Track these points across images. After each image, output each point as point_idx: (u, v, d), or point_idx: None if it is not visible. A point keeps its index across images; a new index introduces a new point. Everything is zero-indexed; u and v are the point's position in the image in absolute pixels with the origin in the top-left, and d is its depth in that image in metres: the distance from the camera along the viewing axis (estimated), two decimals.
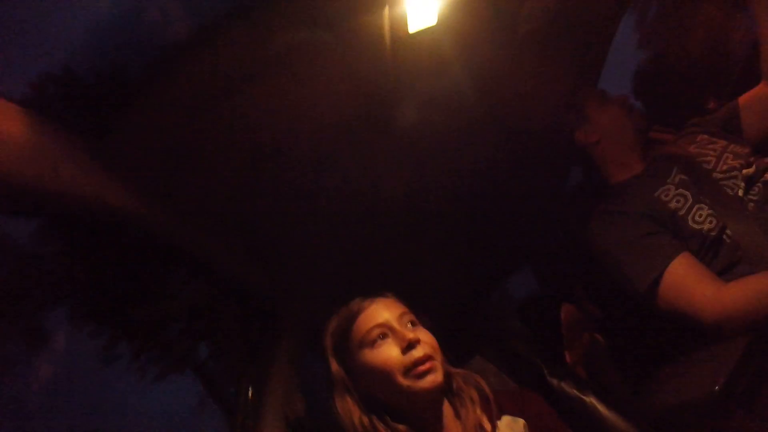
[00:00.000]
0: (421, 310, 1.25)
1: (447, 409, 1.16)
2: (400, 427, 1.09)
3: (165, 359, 1.99)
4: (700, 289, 1.32)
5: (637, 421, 1.33)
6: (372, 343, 1.13)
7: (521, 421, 1.13)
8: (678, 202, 1.49)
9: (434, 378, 1.09)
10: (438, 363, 1.11)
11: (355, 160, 1.55)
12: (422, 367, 1.08)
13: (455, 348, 1.59)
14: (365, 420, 1.10)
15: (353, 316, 1.19)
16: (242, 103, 1.30)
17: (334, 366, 1.19)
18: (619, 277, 1.48)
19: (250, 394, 1.45)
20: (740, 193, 1.47)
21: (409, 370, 1.08)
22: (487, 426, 1.12)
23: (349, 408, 1.13)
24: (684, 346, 1.41)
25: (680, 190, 1.50)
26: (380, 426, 1.09)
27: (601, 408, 1.38)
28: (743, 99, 1.67)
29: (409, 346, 1.09)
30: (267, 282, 1.58)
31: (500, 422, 1.13)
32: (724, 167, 1.52)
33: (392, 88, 1.47)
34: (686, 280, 1.35)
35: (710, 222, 1.42)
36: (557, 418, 1.19)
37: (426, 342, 1.12)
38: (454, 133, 1.66)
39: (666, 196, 1.51)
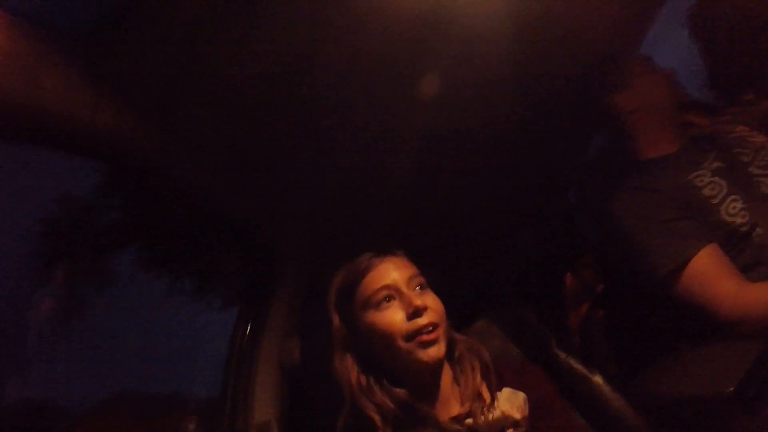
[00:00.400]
0: (429, 267, 1.18)
1: (446, 374, 1.13)
2: (398, 390, 1.06)
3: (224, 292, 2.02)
4: (722, 284, 1.28)
5: (640, 409, 1.31)
6: (377, 305, 1.09)
7: (521, 395, 1.10)
8: (713, 189, 1.41)
9: (437, 350, 1.06)
10: (442, 332, 1.08)
11: (376, 99, 1.40)
12: (426, 337, 1.05)
13: (461, 308, 1.55)
14: (363, 380, 1.08)
15: (361, 274, 1.13)
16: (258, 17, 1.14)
17: (336, 323, 1.16)
18: (639, 257, 1.41)
19: (245, 338, 1.41)
20: None
21: (412, 337, 1.05)
22: (486, 395, 1.09)
23: (347, 366, 1.10)
24: (690, 338, 1.36)
25: (716, 177, 1.42)
26: (377, 387, 1.07)
27: (606, 390, 1.34)
28: None
29: (415, 313, 1.05)
30: (269, 221, 1.49)
31: (500, 394, 1.10)
32: (762, 163, 1.43)
33: (428, 27, 1.33)
34: (710, 272, 1.31)
35: (743, 217, 1.35)
36: (558, 395, 1.17)
37: (432, 309, 1.08)
38: (484, 78, 1.53)
39: (701, 181, 1.43)
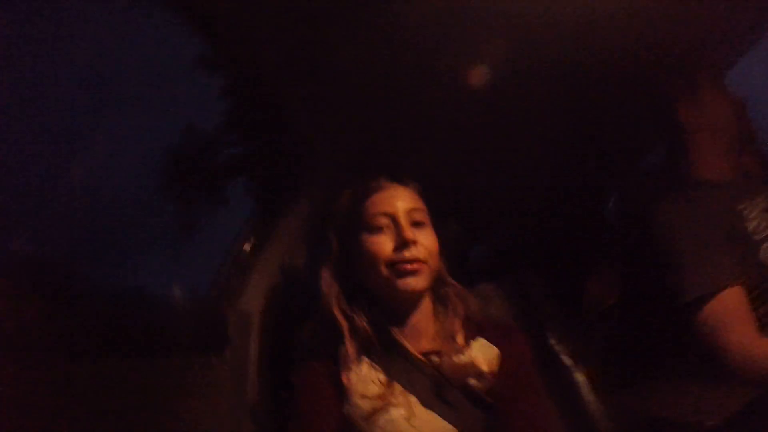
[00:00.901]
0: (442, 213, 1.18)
1: (426, 310, 1.12)
2: (372, 312, 1.09)
3: None
4: (738, 330, 1.24)
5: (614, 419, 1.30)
6: (371, 229, 1.09)
7: (495, 350, 1.08)
8: (759, 225, 1.36)
9: (415, 282, 1.05)
10: (427, 269, 1.06)
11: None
12: (406, 266, 1.04)
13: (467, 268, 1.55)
14: (341, 293, 1.10)
15: (367, 194, 1.14)
16: None
17: (333, 237, 1.17)
18: (670, 273, 1.35)
19: (259, 227, 1.43)
20: None
21: (393, 264, 1.04)
22: (461, 340, 1.08)
23: (330, 281, 1.12)
24: (695, 368, 1.32)
25: (765, 214, 1.38)
26: (354, 304, 1.09)
27: (585, 389, 1.34)
28: None
29: (402, 245, 1.05)
30: (315, 121, 1.50)
31: (474, 342, 1.08)
32: None
33: None
34: (730, 315, 1.26)
35: None
36: (534, 366, 1.14)
37: (423, 245, 1.07)
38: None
39: (749, 213, 1.38)
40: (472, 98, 1.57)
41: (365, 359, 1.07)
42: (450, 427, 1.01)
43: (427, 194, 1.18)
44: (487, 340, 1.10)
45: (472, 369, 1.04)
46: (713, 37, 1.55)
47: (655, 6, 1.43)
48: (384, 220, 1.09)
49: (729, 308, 1.27)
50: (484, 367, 1.04)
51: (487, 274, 1.56)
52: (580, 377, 1.36)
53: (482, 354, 1.06)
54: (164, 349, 1.05)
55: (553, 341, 1.41)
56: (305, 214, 1.47)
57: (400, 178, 1.17)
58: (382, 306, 1.10)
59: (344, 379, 1.03)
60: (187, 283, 1.30)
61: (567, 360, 1.38)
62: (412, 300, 1.10)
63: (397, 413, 1.00)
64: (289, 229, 1.43)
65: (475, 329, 1.12)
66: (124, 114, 1.30)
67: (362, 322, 1.07)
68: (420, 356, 1.07)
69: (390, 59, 1.43)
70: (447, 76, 1.50)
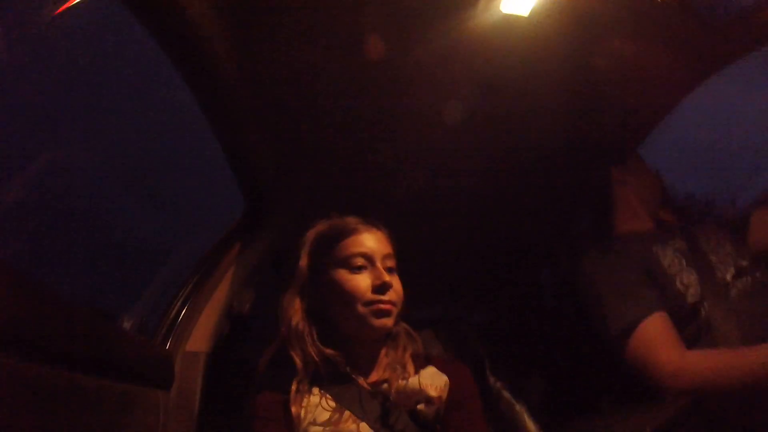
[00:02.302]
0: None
1: (380, 344, 1.18)
2: (328, 350, 1.11)
3: None
4: (666, 350, 1.35)
5: None
6: (351, 267, 1.14)
7: (444, 378, 1.12)
8: (672, 262, 1.52)
9: (388, 322, 1.11)
10: (396, 311, 1.13)
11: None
12: (383, 306, 1.10)
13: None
14: (302, 325, 1.13)
15: (346, 232, 1.19)
16: None
17: (303, 264, 1.20)
18: (596, 313, 1.50)
19: (208, 269, 1.44)
20: (728, 278, 1.49)
21: (371, 304, 1.10)
22: (411, 370, 1.13)
23: (294, 307, 1.15)
24: (628, 394, 1.42)
25: (676, 254, 1.54)
26: (311, 338, 1.12)
27: (527, 419, 1.39)
28: (756, 215, 1.69)
29: (381, 287, 1.11)
30: (273, 164, 1.57)
31: (423, 370, 1.13)
32: (721, 253, 1.56)
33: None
34: (656, 338, 1.38)
35: (694, 290, 1.46)
36: (477, 396, 1.19)
37: (396, 290, 1.14)
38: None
39: (663, 254, 1.54)
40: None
41: (316, 388, 1.10)
42: None
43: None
44: (437, 369, 1.14)
45: (420, 394, 1.08)
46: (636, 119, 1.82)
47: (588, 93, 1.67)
48: (362, 261, 1.14)
49: (655, 332, 1.39)
50: (433, 393, 1.09)
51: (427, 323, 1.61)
52: (520, 408, 1.40)
53: (431, 381, 1.11)
54: (112, 374, 1.02)
55: (492, 378, 1.47)
56: (254, 262, 1.51)
57: (374, 223, 1.23)
58: (342, 339, 1.14)
59: (293, 409, 1.05)
60: (138, 316, 1.29)
61: (506, 394, 1.43)
62: (377, 338, 1.16)
63: None
64: (237, 274, 1.46)
65: (423, 361, 1.17)
66: None
67: (318, 355, 1.10)
68: (369, 386, 1.11)
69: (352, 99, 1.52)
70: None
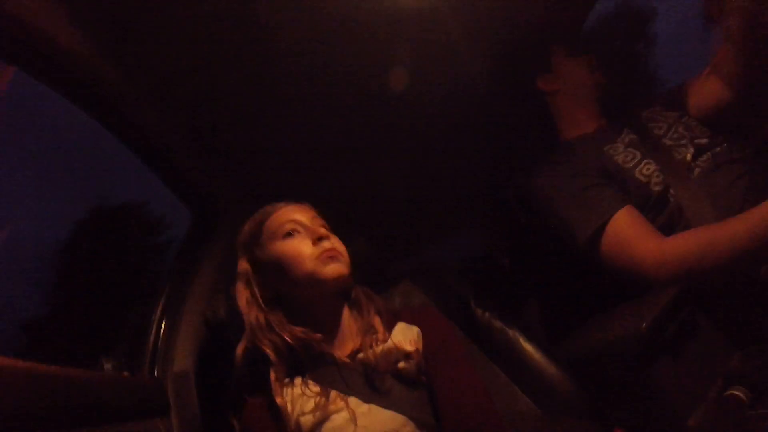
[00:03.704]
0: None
1: (346, 314, 1.19)
2: (295, 328, 1.11)
3: None
4: (642, 242, 1.33)
5: (557, 358, 1.33)
6: (283, 236, 1.15)
7: (415, 329, 1.14)
8: (626, 156, 1.50)
9: (339, 267, 1.11)
10: (345, 260, 1.14)
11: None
12: (328, 252, 1.11)
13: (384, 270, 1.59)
14: (260, 317, 1.13)
15: (268, 213, 1.21)
16: None
17: (242, 261, 1.22)
18: (561, 227, 1.47)
19: (174, 288, 1.43)
20: (688, 157, 1.46)
21: (316, 257, 1.11)
22: (380, 330, 1.13)
23: (247, 302, 1.16)
24: (620, 300, 1.37)
25: (629, 149, 1.51)
26: (275, 324, 1.12)
27: (523, 341, 1.38)
28: (689, 85, 1.66)
29: (319, 239, 1.13)
30: (214, 173, 1.54)
31: (394, 328, 1.14)
32: (675, 135, 1.53)
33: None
34: (628, 232, 1.36)
35: (657, 177, 1.43)
36: (454, 337, 1.20)
37: (336, 242, 1.16)
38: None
39: (614, 151, 1.52)
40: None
41: (297, 378, 1.09)
42: (394, 414, 1.03)
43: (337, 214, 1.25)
44: (406, 323, 1.16)
45: (398, 353, 1.08)
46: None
47: None
48: (291, 226, 1.16)
49: (626, 228, 1.36)
50: (409, 347, 1.09)
51: (404, 274, 1.60)
52: (514, 333, 1.39)
53: (403, 336, 1.12)
54: (107, 421, 1.01)
55: (479, 312, 1.45)
56: (215, 265, 1.49)
57: (296, 200, 1.25)
58: (305, 316, 1.14)
59: (279, 402, 1.05)
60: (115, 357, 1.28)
61: (497, 323, 1.42)
62: (335, 299, 1.17)
63: (340, 418, 1.02)
64: (203, 283, 1.45)
65: (392, 318, 1.17)
66: None
67: (290, 338, 1.10)
68: (347, 359, 1.10)
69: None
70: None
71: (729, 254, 1.20)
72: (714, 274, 1.24)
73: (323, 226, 1.19)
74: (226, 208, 1.59)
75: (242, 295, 1.17)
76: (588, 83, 1.67)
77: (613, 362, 1.24)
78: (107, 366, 1.25)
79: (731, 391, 1.06)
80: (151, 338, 1.35)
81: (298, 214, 1.19)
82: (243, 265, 1.21)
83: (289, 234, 1.15)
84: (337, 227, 1.24)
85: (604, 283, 1.43)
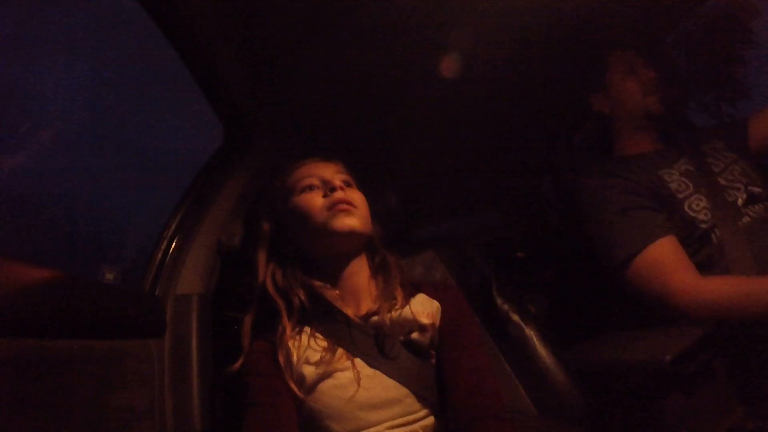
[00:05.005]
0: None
1: (365, 274, 1.18)
2: (308, 279, 1.13)
3: None
4: (678, 274, 1.32)
5: (566, 363, 1.30)
6: (302, 190, 1.16)
7: (436, 303, 1.12)
8: (679, 185, 1.46)
9: (350, 221, 1.10)
10: (359, 213, 1.13)
11: None
12: (340, 206, 1.10)
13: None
14: (274, 269, 1.15)
15: (291, 169, 1.22)
16: None
17: (264, 218, 1.23)
18: (600, 239, 1.46)
19: (191, 206, 1.36)
20: (740, 202, 1.43)
21: (327, 209, 1.11)
22: (400, 299, 1.10)
23: (265, 261, 1.17)
24: (637, 324, 1.39)
25: (684, 178, 1.47)
26: (289, 277, 1.13)
27: (537, 342, 1.35)
28: (752, 118, 1.63)
29: (332, 190, 1.12)
30: (251, 96, 1.45)
31: (413, 298, 1.12)
32: (730, 177, 1.49)
33: None
34: (667, 261, 1.34)
35: (705, 215, 1.40)
36: (473, 319, 1.18)
37: (353, 196, 1.15)
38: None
39: (669, 177, 1.48)
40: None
41: (306, 328, 1.08)
42: (397, 383, 1.01)
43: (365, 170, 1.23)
44: (427, 296, 1.13)
45: (413, 323, 1.06)
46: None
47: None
48: (313, 181, 1.16)
49: (665, 255, 1.34)
50: (425, 320, 1.06)
51: (429, 244, 1.55)
52: (530, 332, 1.36)
53: (422, 308, 1.09)
54: (99, 333, 0.97)
55: (499, 301, 1.42)
56: (238, 192, 1.42)
57: (323, 157, 1.24)
58: (320, 271, 1.14)
59: (283, 351, 1.04)
60: (120, 267, 1.23)
61: (515, 317, 1.39)
62: (348, 246, 1.14)
63: (344, 377, 1.00)
64: (222, 207, 1.38)
65: (412, 289, 1.15)
66: None
67: (299, 295, 1.09)
68: (358, 319, 1.08)
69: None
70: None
71: (761, 311, 1.21)
72: (742, 323, 1.25)
73: (344, 180, 1.18)
74: (260, 134, 1.50)
75: (260, 249, 1.18)
76: (642, 106, 1.59)
77: (626, 385, 1.22)
78: (109, 276, 1.19)
79: None
80: (159, 255, 1.29)
81: (321, 170, 1.19)
82: (263, 220, 1.22)
83: (308, 188, 1.16)
84: (367, 183, 1.22)
85: (624, 301, 1.43)
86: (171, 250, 1.31)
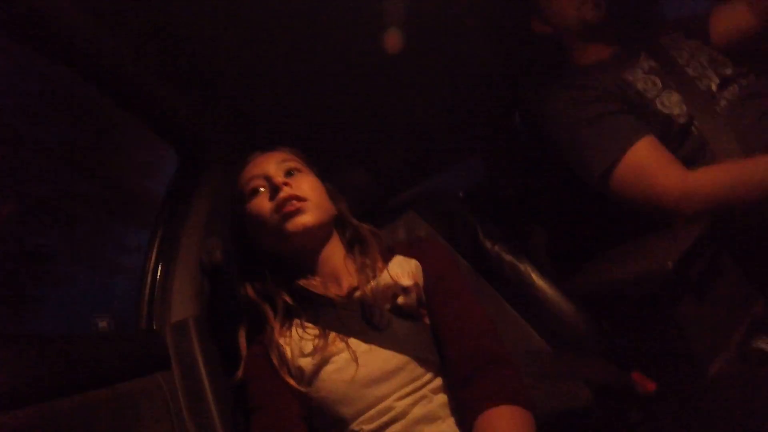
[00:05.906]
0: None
1: (340, 253, 1.17)
2: (282, 277, 1.14)
3: None
4: (665, 173, 1.27)
5: (570, 293, 1.26)
6: (249, 196, 1.14)
7: (413, 261, 1.11)
8: (646, 84, 1.40)
9: (301, 219, 1.08)
10: (310, 205, 1.10)
11: None
12: (286, 209, 1.07)
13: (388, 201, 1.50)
14: (256, 285, 1.15)
15: (239, 173, 1.20)
16: None
17: (231, 228, 1.23)
18: (576, 156, 1.40)
19: (165, 234, 1.38)
20: (713, 87, 1.37)
21: (277, 211, 1.08)
22: (381, 266, 1.11)
23: (241, 272, 1.18)
24: (635, 233, 1.34)
25: (650, 75, 1.41)
26: (263, 278, 1.14)
27: (535, 276, 1.31)
28: (714, 11, 1.51)
29: (275, 191, 1.09)
30: (201, 113, 1.44)
31: (391, 263, 1.10)
32: (697, 65, 1.42)
33: None
34: (650, 163, 1.29)
35: (680, 108, 1.35)
36: (455, 267, 1.16)
37: (298, 186, 1.11)
38: None
39: (633, 76, 1.42)
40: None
41: (295, 321, 1.09)
42: (394, 353, 1.00)
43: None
44: (403, 256, 1.12)
45: (395, 287, 1.04)
46: None
47: None
48: (256, 182, 1.13)
49: (645, 157, 1.29)
50: (407, 281, 1.05)
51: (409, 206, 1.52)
52: (525, 267, 1.32)
53: (401, 269, 1.08)
54: (107, 381, 1.00)
55: (488, 244, 1.37)
56: (206, 208, 1.42)
57: (268, 148, 1.22)
58: (296, 265, 1.15)
59: (276, 351, 1.05)
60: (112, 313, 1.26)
61: (507, 256, 1.34)
62: (310, 240, 1.13)
63: (341, 360, 1.00)
64: (195, 225, 1.39)
65: (388, 253, 1.14)
66: None
67: (281, 295, 1.11)
68: (344, 299, 1.08)
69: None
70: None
71: (758, 191, 1.15)
72: (740, 210, 1.19)
73: (291, 169, 1.16)
74: (213, 145, 1.49)
75: (235, 261, 1.21)
76: (577, 18, 1.50)
77: (633, 301, 1.17)
78: (102, 324, 1.23)
79: (756, 344, 1.03)
80: (146, 290, 1.31)
81: (262, 166, 1.15)
82: (232, 230, 1.23)
83: (253, 192, 1.13)
84: (331, 161, 1.21)
85: (616, 215, 1.38)
86: (157, 280, 1.33)
